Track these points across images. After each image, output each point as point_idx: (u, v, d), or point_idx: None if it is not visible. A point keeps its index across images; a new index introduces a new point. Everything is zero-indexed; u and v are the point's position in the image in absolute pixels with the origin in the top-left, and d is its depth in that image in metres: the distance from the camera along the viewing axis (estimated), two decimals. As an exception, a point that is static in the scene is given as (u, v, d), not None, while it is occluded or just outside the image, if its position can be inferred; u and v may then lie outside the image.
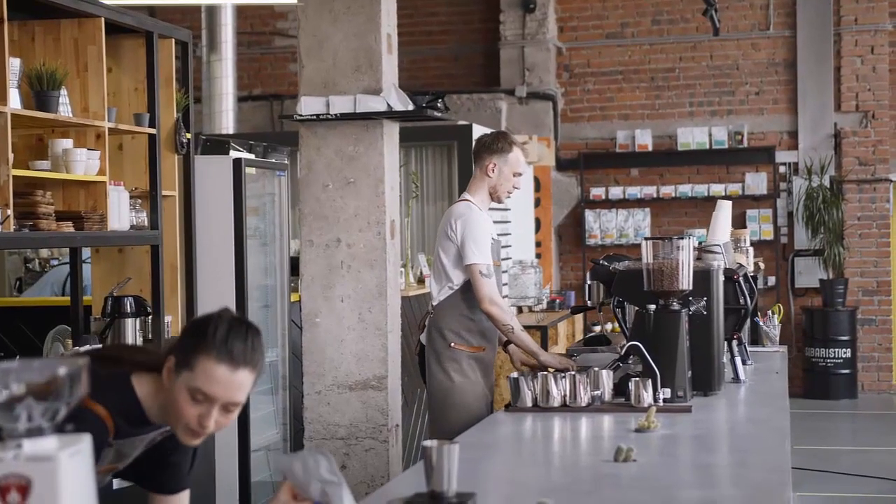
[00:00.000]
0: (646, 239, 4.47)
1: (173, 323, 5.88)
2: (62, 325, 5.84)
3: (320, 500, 2.53)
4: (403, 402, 6.59)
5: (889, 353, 12.74)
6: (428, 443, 2.72)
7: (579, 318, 11.30)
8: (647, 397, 4.18)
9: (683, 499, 2.94)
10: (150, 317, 5.60)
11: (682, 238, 4.42)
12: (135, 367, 2.72)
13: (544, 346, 8.90)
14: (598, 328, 12.23)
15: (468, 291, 5.22)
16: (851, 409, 12.06)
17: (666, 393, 4.28)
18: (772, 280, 12.64)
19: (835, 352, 12.32)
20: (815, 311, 12.48)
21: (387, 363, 5.94)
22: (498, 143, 5.39)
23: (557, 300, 10.92)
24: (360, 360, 5.89)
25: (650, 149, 12.94)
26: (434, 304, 5.38)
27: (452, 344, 5.25)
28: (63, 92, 4.90)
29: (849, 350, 12.34)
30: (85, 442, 1.74)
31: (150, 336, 5.62)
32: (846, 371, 12.36)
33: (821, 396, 12.29)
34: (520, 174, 5.43)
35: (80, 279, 5.68)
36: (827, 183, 12.46)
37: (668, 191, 12.85)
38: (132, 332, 5.43)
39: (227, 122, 10.78)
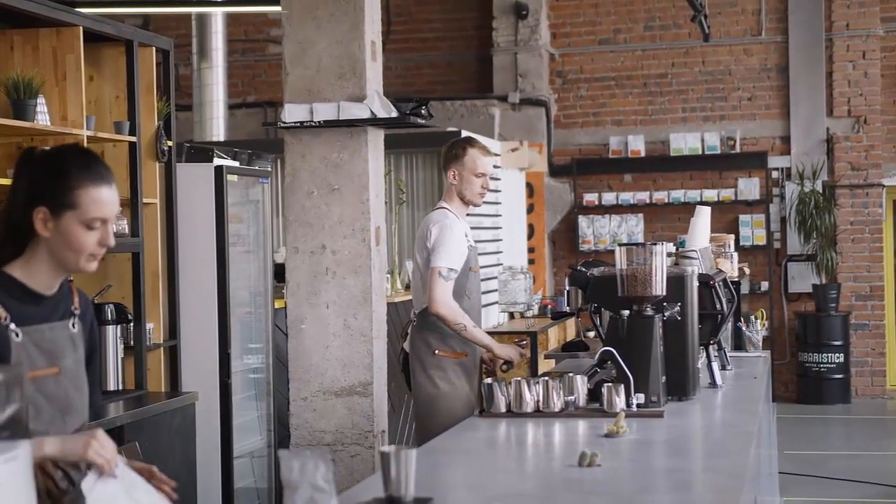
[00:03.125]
0: (619, 245, 4.48)
1: (155, 330, 5.90)
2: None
3: None
4: (390, 409, 6.60)
5: (882, 357, 12.74)
6: (385, 448, 2.75)
7: (571, 323, 11.30)
8: (620, 403, 4.19)
9: (640, 503, 2.95)
10: (131, 324, 5.62)
11: (656, 244, 4.43)
12: (2, 263, 2.75)
13: (534, 352, 8.91)
14: (591, 334, 12.24)
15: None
16: (844, 414, 12.06)
17: (640, 398, 4.29)
18: (765, 285, 12.65)
19: (828, 356, 12.32)
20: (808, 315, 12.49)
21: (372, 369, 5.95)
22: (452, 150, 5.49)
23: (549, 306, 10.91)
24: (345, 366, 5.90)
25: (643, 154, 12.96)
26: (416, 311, 5.43)
27: (437, 351, 5.32)
28: (41, 100, 4.92)
29: (842, 355, 12.34)
30: (22, 448, 1.76)
31: (131, 343, 5.63)
32: (839, 376, 12.36)
33: (814, 401, 12.29)
34: (482, 174, 5.44)
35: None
36: (819, 188, 12.48)
37: (661, 196, 12.87)
38: (113, 339, 5.44)
39: (217, 130, 10.80)
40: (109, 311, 5.45)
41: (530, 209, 12.35)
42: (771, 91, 12.88)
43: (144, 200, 5.74)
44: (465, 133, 10.02)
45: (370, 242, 5.97)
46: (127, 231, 5.61)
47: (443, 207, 5.44)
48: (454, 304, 5.26)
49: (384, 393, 6.14)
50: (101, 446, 2.58)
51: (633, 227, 12.95)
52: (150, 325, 5.81)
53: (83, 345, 2.87)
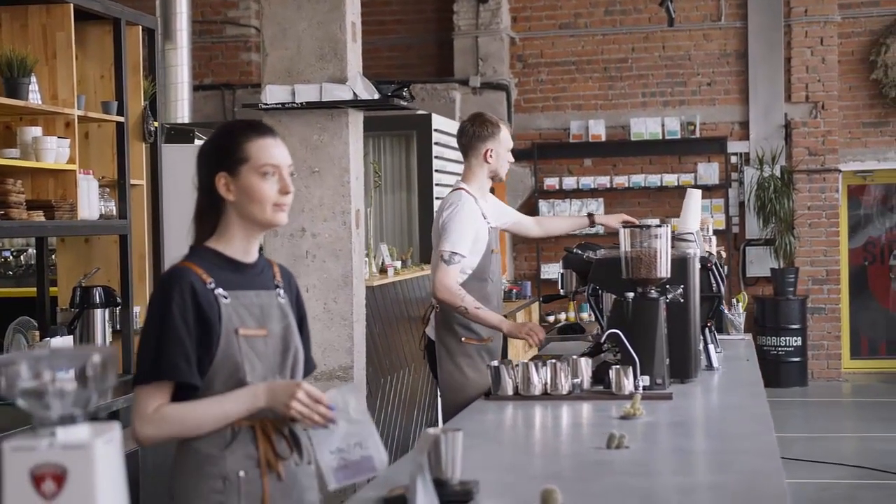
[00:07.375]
0: (624, 226, 4.47)
1: (142, 313, 5.81)
2: (24, 316, 5.74)
3: (342, 444, 2.56)
4: (368, 393, 6.57)
5: (838, 341, 12.90)
6: (432, 430, 2.71)
7: (535, 307, 11.33)
8: (629, 385, 4.19)
9: (683, 484, 2.95)
10: (118, 307, 5.53)
11: (660, 226, 4.43)
12: (201, 241, 2.95)
13: (505, 337, 8.86)
14: (551, 318, 12.28)
15: (474, 283, 5.15)
16: (802, 397, 12.21)
17: (645, 380, 4.29)
18: (724, 269, 12.73)
19: (785, 340, 12.46)
20: (767, 299, 12.61)
21: (352, 353, 5.92)
22: (487, 128, 5.36)
23: (514, 290, 10.94)
24: (325, 350, 5.87)
25: (604, 139, 13.00)
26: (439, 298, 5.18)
27: (463, 339, 5.18)
28: (33, 79, 4.82)
29: (799, 338, 12.48)
30: (115, 430, 1.72)
31: (118, 327, 5.55)
32: (797, 359, 12.51)
33: (772, 384, 12.35)
34: (511, 147, 5.46)
35: (46, 269, 5.59)
36: (778, 173, 12.59)
37: (621, 181, 12.92)
38: (101, 322, 5.35)
39: (182, 112, 10.65)
40: (97, 295, 5.35)
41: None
42: (730, 76, 12.97)
43: (131, 182, 5.65)
44: (437, 117, 10.01)
45: (350, 225, 5.93)
46: (114, 213, 5.52)
47: (461, 189, 5.31)
48: (455, 287, 5.07)
49: (364, 377, 6.11)
50: (306, 400, 2.73)
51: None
52: (137, 308, 5.72)
53: (292, 313, 2.98)
